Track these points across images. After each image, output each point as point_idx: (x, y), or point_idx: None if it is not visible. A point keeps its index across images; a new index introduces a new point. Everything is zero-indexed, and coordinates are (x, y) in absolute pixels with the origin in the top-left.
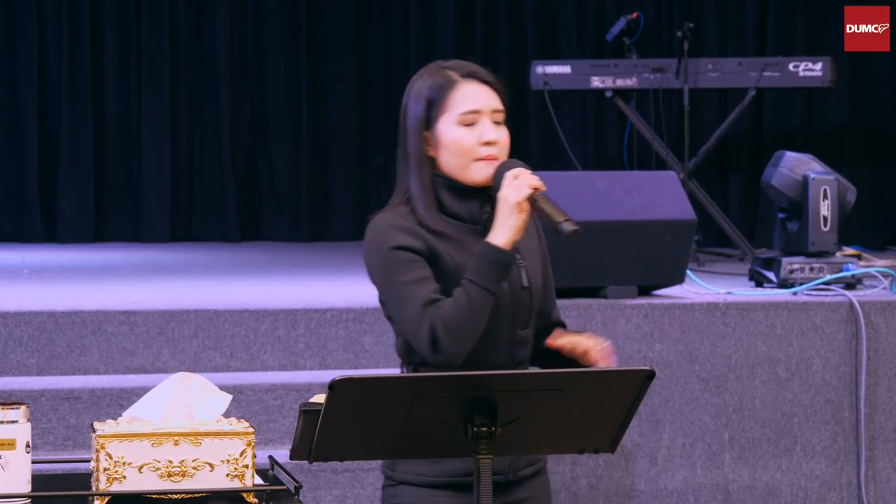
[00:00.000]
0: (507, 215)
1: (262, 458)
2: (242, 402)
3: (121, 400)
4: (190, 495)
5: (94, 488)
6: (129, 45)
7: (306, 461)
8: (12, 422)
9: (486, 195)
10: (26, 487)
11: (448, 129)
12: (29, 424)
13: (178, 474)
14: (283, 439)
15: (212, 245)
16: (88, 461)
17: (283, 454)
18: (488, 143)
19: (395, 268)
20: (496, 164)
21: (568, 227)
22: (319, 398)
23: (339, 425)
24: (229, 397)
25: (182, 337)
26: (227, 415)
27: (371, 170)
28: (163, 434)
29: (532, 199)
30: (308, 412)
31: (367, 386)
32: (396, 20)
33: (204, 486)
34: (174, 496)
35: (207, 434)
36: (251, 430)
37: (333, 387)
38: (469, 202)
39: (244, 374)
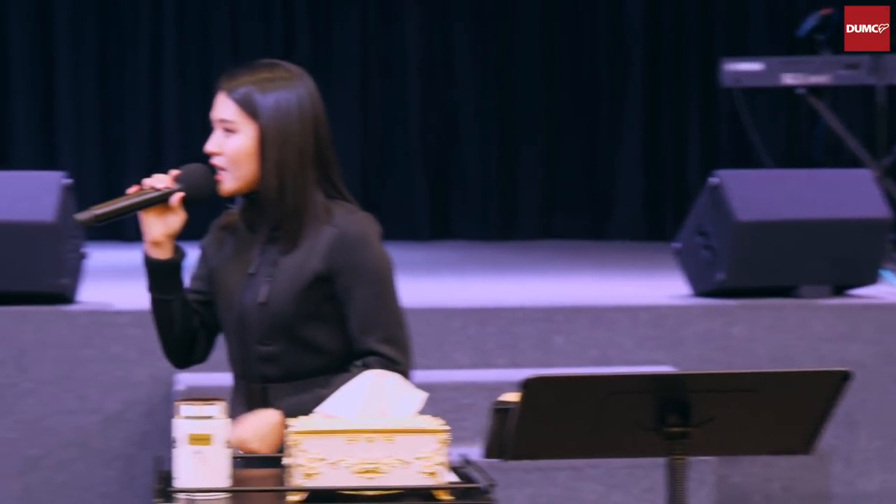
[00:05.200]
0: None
1: (454, 456)
2: (433, 401)
3: None
4: (384, 492)
5: (289, 484)
6: (319, 46)
7: (498, 459)
8: (208, 417)
9: (252, 200)
10: (225, 482)
11: None
12: (227, 420)
13: (372, 471)
14: (475, 437)
15: (402, 244)
16: (284, 457)
17: (474, 452)
18: (209, 153)
19: None
20: (222, 175)
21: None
22: (511, 397)
23: (532, 424)
24: (424, 395)
25: None
26: (419, 413)
27: (560, 169)
28: (357, 431)
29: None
30: (500, 411)
31: (560, 385)
32: (585, 20)
33: (398, 483)
34: (368, 493)
35: (401, 431)
36: (445, 427)
37: (526, 385)
38: (250, 208)
39: (435, 372)
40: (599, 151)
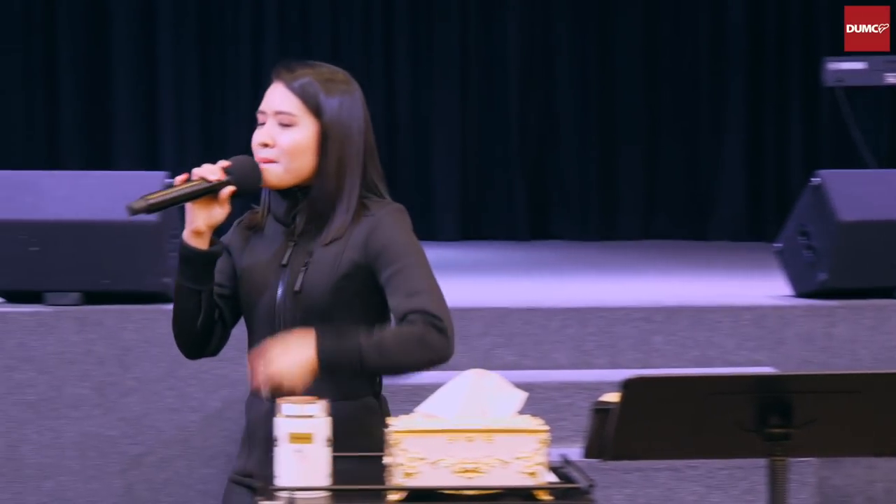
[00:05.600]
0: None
1: (553, 456)
2: (533, 400)
3: (414, 396)
4: (484, 491)
5: (389, 483)
6: (419, 45)
7: (597, 459)
8: (309, 416)
9: (295, 195)
10: (326, 481)
11: None
12: (328, 419)
13: (471, 471)
14: (574, 437)
15: (501, 244)
16: (384, 456)
17: (573, 452)
18: (260, 145)
19: None
20: (271, 167)
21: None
22: (611, 397)
23: (632, 425)
24: (524, 395)
25: (473, 334)
26: (519, 412)
27: (660, 168)
28: (457, 431)
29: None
30: (600, 411)
31: (661, 385)
32: (686, 20)
33: (497, 483)
34: (468, 492)
35: (501, 431)
36: (544, 427)
37: (627, 386)
38: (284, 201)
39: (534, 371)
40: (700, 151)
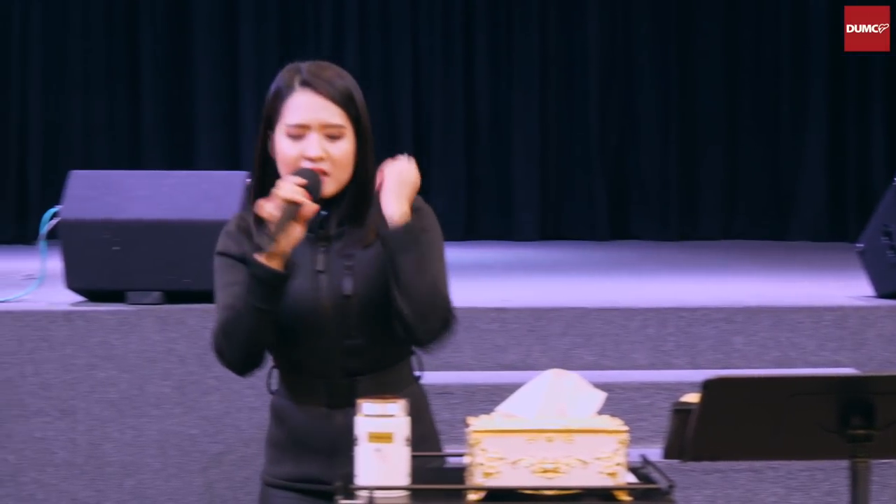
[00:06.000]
0: (270, 228)
1: (632, 457)
2: (612, 400)
3: (493, 396)
4: (563, 492)
5: (468, 483)
6: (499, 46)
7: (677, 460)
8: (390, 416)
9: (325, 202)
10: (405, 480)
11: (279, 137)
12: (408, 419)
13: (551, 471)
14: (653, 438)
15: (581, 243)
16: (463, 455)
17: (652, 453)
18: (311, 159)
19: (215, 272)
20: (325, 179)
21: (260, 241)
22: (691, 397)
23: (713, 425)
24: (604, 395)
25: (552, 334)
26: (598, 413)
27: (741, 169)
28: (537, 431)
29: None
30: (681, 412)
31: (742, 386)
32: (767, 20)
33: (577, 484)
34: (548, 492)
35: (581, 431)
36: (624, 428)
37: (707, 386)
38: None
39: (614, 371)
40: (781, 151)
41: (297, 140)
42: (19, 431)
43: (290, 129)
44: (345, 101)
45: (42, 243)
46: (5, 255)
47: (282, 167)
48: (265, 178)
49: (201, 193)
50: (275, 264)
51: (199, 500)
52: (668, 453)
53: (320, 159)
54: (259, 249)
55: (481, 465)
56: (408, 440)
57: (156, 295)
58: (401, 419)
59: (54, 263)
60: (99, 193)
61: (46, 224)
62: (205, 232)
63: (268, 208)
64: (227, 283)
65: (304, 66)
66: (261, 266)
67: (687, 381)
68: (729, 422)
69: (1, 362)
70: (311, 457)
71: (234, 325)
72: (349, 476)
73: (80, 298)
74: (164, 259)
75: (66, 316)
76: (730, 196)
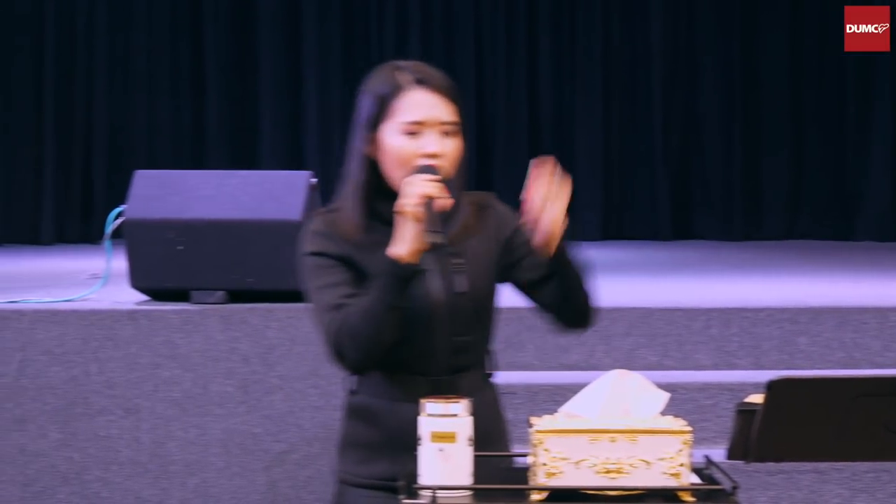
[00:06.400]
0: (401, 225)
1: (696, 457)
2: (675, 401)
3: (556, 396)
4: (626, 492)
5: (531, 482)
6: (562, 47)
7: (741, 461)
8: (453, 415)
9: None
10: (468, 480)
11: (391, 135)
12: (470, 418)
13: (614, 471)
14: (717, 438)
15: (644, 243)
16: (526, 455)
17: (716, 453)
18: (429, 156)
19: (309, 274)
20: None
21: (430, 238)
22: (755, 398)
23: (777, 426)
24: (667, 395)
25: (616, 334)
26: (662, 413)
27: (805, 169)
28: (600, 431)
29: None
30: (745, 412)
31: (806, 386)
32: (832, 18)
33: (640, 484)
34: (611, 493)
35: (644, 431)
36: (688, 428)
37: (772, 387)
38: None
39: (677, 372)
40: (846, 151)
41: (412, 137)
42: (84, 430)
43: (406, 126)
44: (456, 100)
45: (107, 243)
46: (71, 254)
47: (393, 166)
48: (370, 177)
49: (265, 193)
50: (414, 260)
51: (262, 499)
52: (732, 454)
53: (439, 155)
54: (433, 241)
55: (544, 465)
56: (470, 440)
57: (219, 294)
58: (464, 419)
59: (119, 263)
60: (163, 193)
61: (111, 224)
62: (268, 231)
63: (410, 207)
64: (329, 283)
65: (407, 65)
66: (399, 264)
67: (751, 381)
68: (793, 423)
69: (66, 361)
70: (410, 455)
71: (362, 325)
72: (412, 475)
73: (144, 298)
74: (227, 258)
75: (131, 315)
76: (794, 196)
